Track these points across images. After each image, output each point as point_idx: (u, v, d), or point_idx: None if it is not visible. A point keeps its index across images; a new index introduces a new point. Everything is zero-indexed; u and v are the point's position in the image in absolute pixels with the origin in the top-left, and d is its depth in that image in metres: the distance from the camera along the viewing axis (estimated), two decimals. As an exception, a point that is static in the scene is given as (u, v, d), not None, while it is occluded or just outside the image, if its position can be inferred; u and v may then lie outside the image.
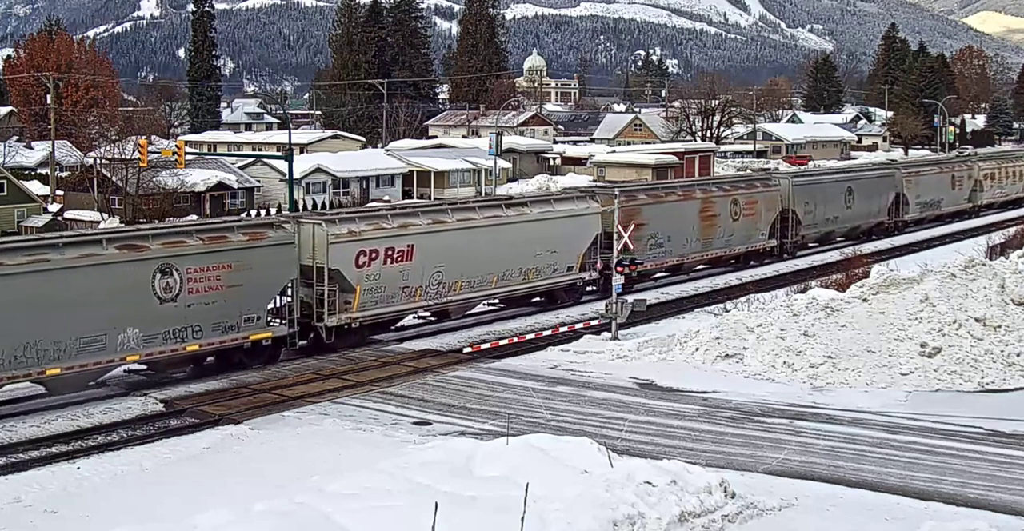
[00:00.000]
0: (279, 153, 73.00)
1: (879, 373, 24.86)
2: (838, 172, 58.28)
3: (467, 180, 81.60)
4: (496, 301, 35.66)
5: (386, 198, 71.28)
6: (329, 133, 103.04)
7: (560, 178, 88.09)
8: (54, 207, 67.94)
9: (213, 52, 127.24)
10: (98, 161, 69.08)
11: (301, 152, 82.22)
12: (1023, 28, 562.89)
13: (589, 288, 37.26)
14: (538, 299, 36.49)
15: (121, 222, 59.64)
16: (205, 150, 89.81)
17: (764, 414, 22.39)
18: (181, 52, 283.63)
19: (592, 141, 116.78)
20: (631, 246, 35.67)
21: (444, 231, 31.99)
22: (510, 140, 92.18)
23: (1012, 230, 48.21)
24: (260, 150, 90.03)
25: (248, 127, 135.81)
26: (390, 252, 30.32)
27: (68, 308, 23.64)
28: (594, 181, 78.63)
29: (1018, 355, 25.16)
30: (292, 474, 18.30)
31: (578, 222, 36.16)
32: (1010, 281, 27.81)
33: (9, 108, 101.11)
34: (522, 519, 12.87)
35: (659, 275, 41.41)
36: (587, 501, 14.64)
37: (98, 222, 61.02)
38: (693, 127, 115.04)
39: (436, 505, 12.42)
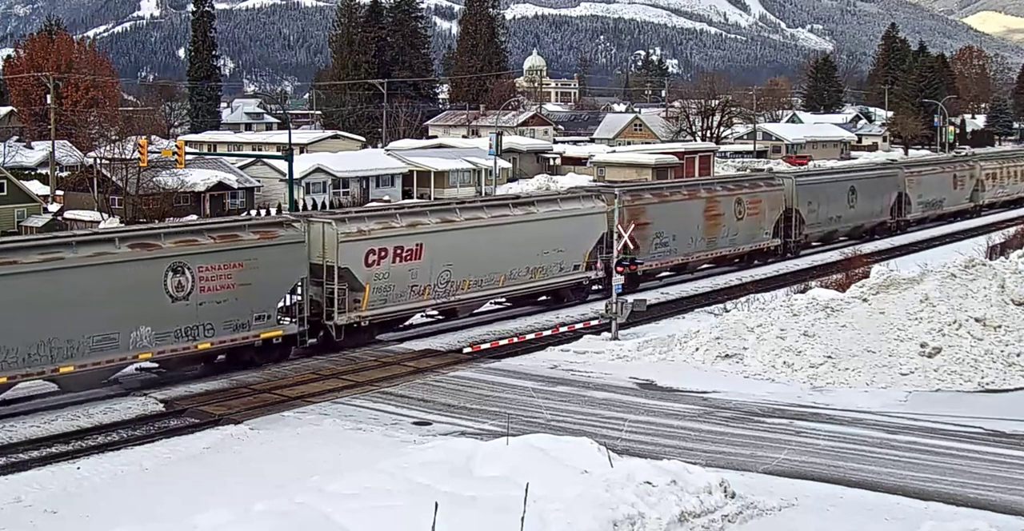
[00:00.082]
0: (279, 153, 73.00)
1: (879, 373, 24.86)
2: (841, 172, 58.36)
3: (467, 180, 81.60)
4: (503, 300, 35.88)
5: (386, 198, 71.29)
6: (329, 133, 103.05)
7: (560, 178, 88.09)
8: (54, 207, 67.92)
9: (213, 52, 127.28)
10: (98, 161, 69.07)
11: (301, 152, 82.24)
12: (1023, 28, 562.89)
13: (595, 287, 37.40)
14: (545, 298, 36.66)
15: (121, 222, 59.63)
16: (205, 150, 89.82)
17: (764, 414, 22.39)
18: (181, 52, 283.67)
19: (592, 141, 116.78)
20: (631, 246, 35.81)
21: (452, 230, 32.17)
22: (510, 140, 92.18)
23: (1012, 230, 48.23)
24: (260, 150, 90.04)
25: (248, 127, 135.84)
26: (399, 251, 30.49)
27: (81, 306, 23.85)
28: (594, 181, 78.67)
29: (1018, 355, 25.16)
30: (292, 474, 18.30)
31: (584, 221, 36.31)
32: (1010, 281, 27.81)
33: (9, 108, 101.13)
34: (522, 519, 12.87)
35: (664, 274, 41.61)
36: (587, 501, 14.64)
37: (98, 222, 60.97)
38: (693, 127, 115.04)
39: (436, 505, 12.42)
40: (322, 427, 22.22)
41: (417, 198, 74.04)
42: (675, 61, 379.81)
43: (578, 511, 14.32)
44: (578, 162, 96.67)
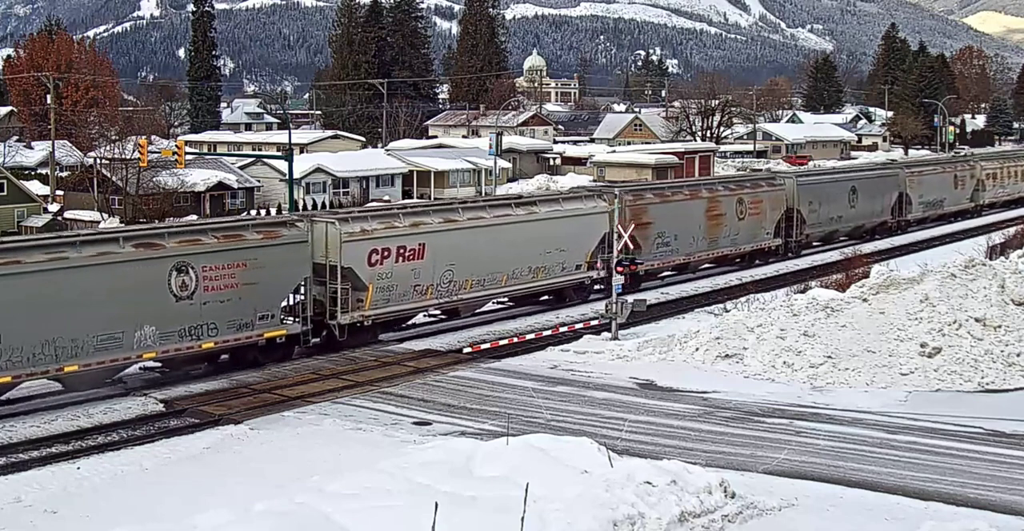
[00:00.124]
0: (279, 153, 73.01)
1: (879, 373, 24.86)
2: (842, 172, 58.43)
3: (467, 180, 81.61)
4: (505, 299, 35.95)
5: (386, 198, 71.31)
6: (329, 133, 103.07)
7: (560, 178, 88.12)
8: (54, 207, 67.93)
9: (213, 52, 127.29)
10: (98, 161, 69.09)
11: (301, 152, 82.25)
12: (1023, 28, 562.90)
13: (597, 287, 37.46)
14: (547, 298, 36.73)
15: (121, 222, 59.63)
16: (205, 150, 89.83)
17: (764, 414, 22.38)
18: (181, 52, 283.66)
19: (592, 141, 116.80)
20: (631, 246, 35.84)
21: (455, 230, 32.25)
22: (510, 140, 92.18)
23: (1012, 230, 48.23)
24: (260, 150, 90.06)
25: (248, 127, 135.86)
26: (402, 251, 30.57)
27: (86, 306, 23.91)
28: (594, 181, 78.68)
29: (1018, 355, 25.15)
30: (292, 474, 18.29)
31: (587, 221, 36.39)
32: (1010, 281, 27.81)
33: (9, 108, 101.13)
34: (522, 519, 12.87)
35: (665, 274, 41.72)
36: (587, 501, 14.64)
37: (98, 222, 61.00)
38: (693, 127, 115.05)
39: (436, 505, 12.41)
40: (322, 427, 22.21)
41: (417, 198, 74.04)
42: (675, 61, 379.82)
43: (578, 511, 14.32)
44: (578, 162, 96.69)
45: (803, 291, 32.46)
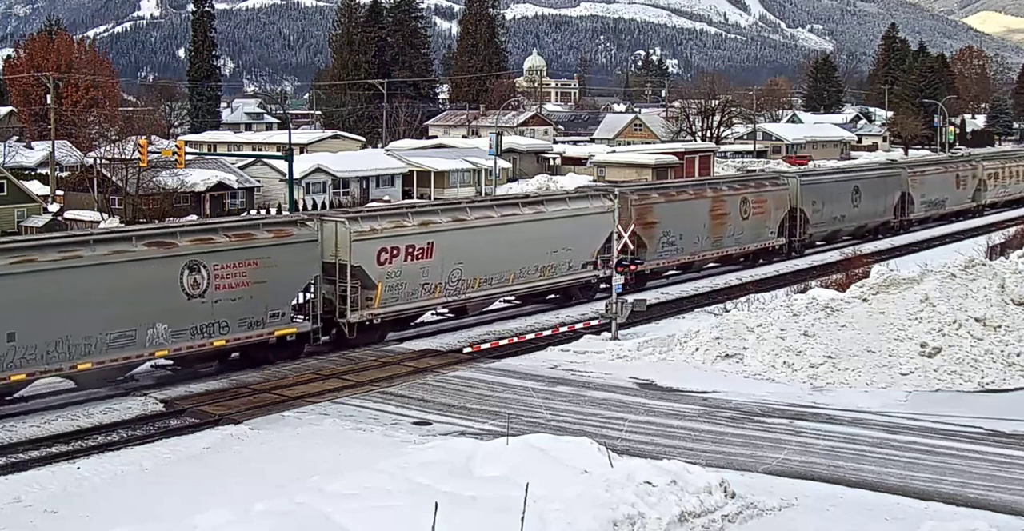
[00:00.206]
0: (279, 153, 73.00)
1: (879, 373, 24.86)
2: (845, 172, 58.56)
3: (467, 180, 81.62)
4: (512, 298, 36.14)
5: (386, 198, 71.30)
6: (329, 133, 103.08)
7: (560, 178, 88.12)
8: (54, 207, 67.92)
9: (213, 52, 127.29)
10: (98, 161, 69.09)
11: (301, 152, 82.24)
12: (1023, 28, 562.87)
13: (603, 286, 37.52)
14: (553, 296, 36.88)
15: (121, 222, 59.63)
16: (205, 150, 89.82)
17: (764, 414, 22.38)
18: (181, 52, 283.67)
19: (592, 141, 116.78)
20: (632, 246, 35.91)
21: (463, 229, 32.43)
22: (510, 140, 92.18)
23: (1012, 230, 48.25)
24: (260, 150, 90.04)
25: (248, 127, 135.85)
26: (411, 249, 30.73)
27: (98, 304, 24.04)
28: (594, 181, 78.69)
29: (1018, 355, 25.15)
30: (292, 474, 18.29)
31: (593, 220, 36.50)
32: (1010, 281, 27.81)
33: (9, 108, 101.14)
34: (522, 519, 12.87)
35: (670, 273, 41.87)
36: (587, 501, 14.63)
37: (98, 222, 60.99)
38: (693, 127, 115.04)
39: (436, 505, 12.42)
40: (322, 427, 22.22)
41: (417, 198, 74.05)
42: (675, 61, 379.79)
43: (578, 511, 14.32)
44: (578, 162, 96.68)
45: (803, 291, 32.47)
